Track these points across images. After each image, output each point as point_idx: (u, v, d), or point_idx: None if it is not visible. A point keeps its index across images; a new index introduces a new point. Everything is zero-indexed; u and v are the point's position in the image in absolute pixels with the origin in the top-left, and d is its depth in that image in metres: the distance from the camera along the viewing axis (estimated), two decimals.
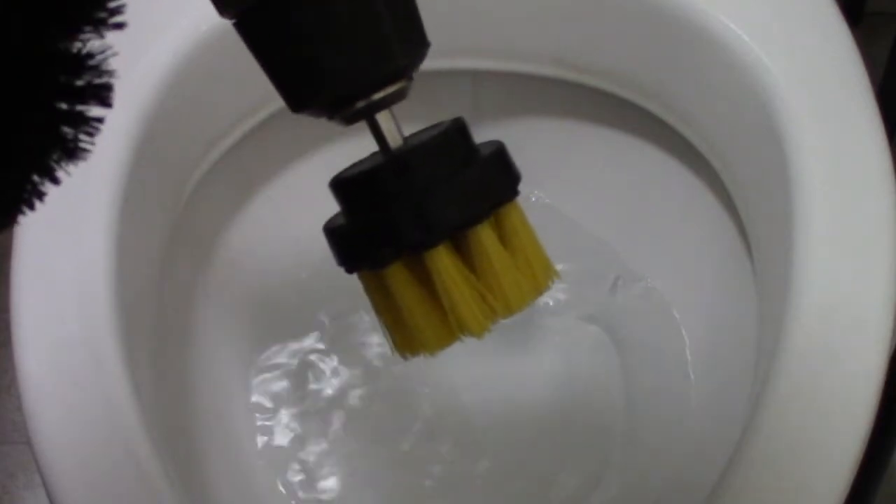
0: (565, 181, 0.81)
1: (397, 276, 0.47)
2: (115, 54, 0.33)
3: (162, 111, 0.64)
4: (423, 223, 0.46)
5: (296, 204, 0.78)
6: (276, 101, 0.74)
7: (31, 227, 0.60)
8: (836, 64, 0.64)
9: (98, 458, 0.54)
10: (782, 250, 0.58)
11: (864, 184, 0.59)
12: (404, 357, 0.50)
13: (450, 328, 0.48)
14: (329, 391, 0.76)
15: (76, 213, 0.60)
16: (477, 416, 0.75)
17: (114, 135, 0.61)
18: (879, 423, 0.55)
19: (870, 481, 0.80)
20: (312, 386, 0.76)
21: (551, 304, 0.79)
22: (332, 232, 0.49)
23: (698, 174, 0.75)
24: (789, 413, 0.53)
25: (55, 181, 0.33)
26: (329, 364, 0.77)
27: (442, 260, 0.47)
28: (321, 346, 0.78)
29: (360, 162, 0.50)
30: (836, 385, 0.54)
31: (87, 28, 0.32)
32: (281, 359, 0.77)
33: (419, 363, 0.77)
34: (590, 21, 0.71)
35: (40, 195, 0.33)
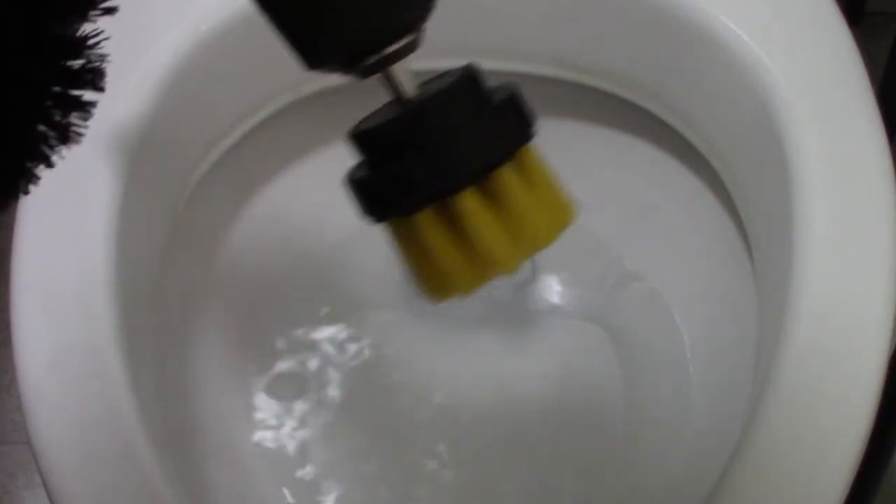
0: (565, 181, 0.81)
1: (426, 221, 0.49)
2: (107, 38, 0.33)
3: (162, 111, 0.64)
4: (448, 168, 0.48)
5: (296, 204, 0.78)
6: (276, 101, 0.74)
7: (31, 227, 0.60)
8: (836, 64, 0.64)
9: (98, 458, 0.54)
10: (782, 250, 0.58)
11: (864, 184, 0.59)
12: (436, 301, 0.52)
13: (481, 267, 0.49)
14: (330, 391, 0.76)
15: (76, 212, 0.60)
16: (476, 415, 0.75)
17: (114, 135, 0.61)
18: (879, 423, 0.55)
19: (870, 481, 0.80)
20: (313, 386, 0.76)
21: (551, 303, 0.79)
22: (357, 183, 0.50)
23: (698, 174, 0.75)
24: (789, 413, 0.53)
25: (49, 164, 0.33)
26: (330, 364, 0.77)
27: (469, 202, 0.48)
28: (322, 345, 0.78)
29: (377, 113, 0.51)
30: (836, 385, 0.54)
31: (81, 11, 0.32)
32: (280, 358, 0.77)
33: (420, 363, 0.77)
34: (590, 21, 0.71)
35: (34, 179, 0.33)
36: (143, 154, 0.62)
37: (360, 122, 0.51)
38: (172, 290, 0.70)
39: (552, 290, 0.79)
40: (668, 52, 0.69)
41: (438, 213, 0.49)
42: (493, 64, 0.75)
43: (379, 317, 0.78)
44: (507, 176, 0.49)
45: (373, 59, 0.47)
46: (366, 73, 0.48)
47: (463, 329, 0.78)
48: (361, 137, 0.50)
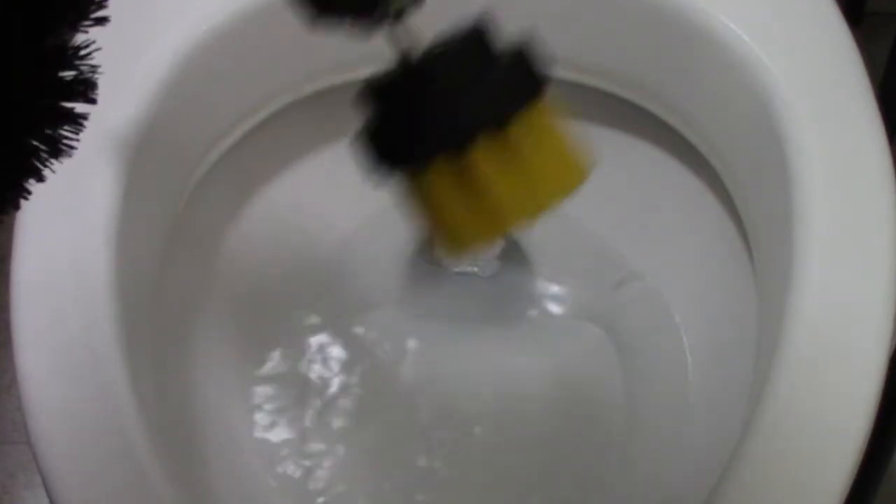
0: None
1: (437, 174, 0.48)
2: (98, 49, 0.32)
3: (162, 111, 0.64)
4: (460, 119, 0.48)
5: (296, 204, 0.78)
6: (276, 101, 0.74)
7: (31, 228, 0.60)
8: (836, 64, 0.64)
9: (98, 458, 0.54)
10: (782, 250, 0.58)
11: (864, 184, 0.59)
12: (453, 257, 0.52)
13: (494, 222, 0.49)
14: (328, 391, 0.76)
15: (76, 213, 0.60)
16: (475, 415, 0.75)
17: (114, 135, 0.61)
18: (879, 423, 0.55)
19: (870, 481, 0.80)
20: (312, 386, 0.76)
21: (551, 303, 0.79)
22: (369, 136, 0.50)
23: (698, 174, 0.75)
24: (789, 413, 0.53)
25: (40, 178, 0.32)
26: (328, 364, 0.77)
27: (481, 153, 0.48)
28: (321, 345, 0.78)
29: (384, 72, 0.50)
30: (836, 385, 0.54)
31: (73, 22, 0.32)
32: (280, 358, 0.77)
33: (420, 363, 0.77)
34: (590, 21, 0.71)
35: (25, 194, 0.32)
36: (143, 154, 0.62)
37: (368, 80, 0.50)
38: (172, 290, 0.70)
39: (552, 290, 0.79)
40: (668, 52, 0.69)
41: (450, 167, 0.48)
42: None
43: (379, 317, 0.78)
44: (519, 129, 0.49)
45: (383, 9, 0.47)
46: (371, 28, 0.48)
47: (462, 329, 0.78)
48: (373, 92, 0.49)
